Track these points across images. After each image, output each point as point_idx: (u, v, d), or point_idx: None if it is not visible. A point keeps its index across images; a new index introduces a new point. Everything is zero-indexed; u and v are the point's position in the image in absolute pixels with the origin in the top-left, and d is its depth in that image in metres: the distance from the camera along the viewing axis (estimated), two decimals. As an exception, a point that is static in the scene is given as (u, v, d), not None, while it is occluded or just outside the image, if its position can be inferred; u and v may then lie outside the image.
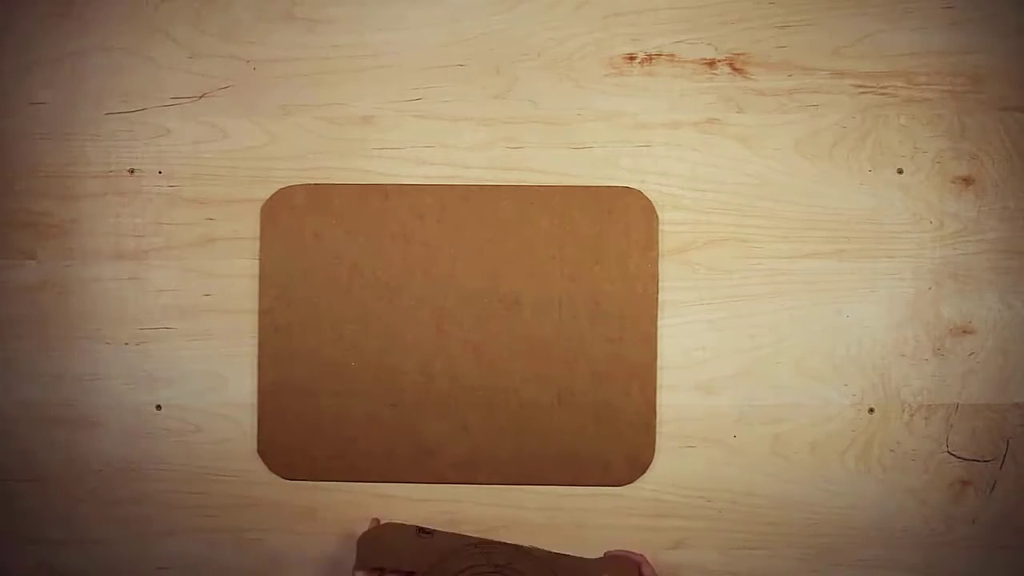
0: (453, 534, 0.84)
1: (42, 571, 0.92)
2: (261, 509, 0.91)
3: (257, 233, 0.91)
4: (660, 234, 0.90)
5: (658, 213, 0.90)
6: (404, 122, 0.91)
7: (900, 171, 0.90)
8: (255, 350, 0.90)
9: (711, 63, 0.91)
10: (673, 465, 0.90)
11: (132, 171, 0.91)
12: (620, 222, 0.90)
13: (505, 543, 0.82)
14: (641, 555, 0.84)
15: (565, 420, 0.89)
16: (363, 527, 0.85)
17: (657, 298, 0.90)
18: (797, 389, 0.90)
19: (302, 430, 0.90)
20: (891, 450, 0.90)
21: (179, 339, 0.91)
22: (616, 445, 0.88)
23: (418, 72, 0.91)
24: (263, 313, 0.90)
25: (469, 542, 0.82)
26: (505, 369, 0.89)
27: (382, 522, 0.85)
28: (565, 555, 0.82)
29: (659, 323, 0.90)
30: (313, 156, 0.91)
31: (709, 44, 0.91)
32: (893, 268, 0.90)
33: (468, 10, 0.91)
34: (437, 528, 0.83)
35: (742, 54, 0.90)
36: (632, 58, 0.91)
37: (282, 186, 0.91)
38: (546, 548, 0.82)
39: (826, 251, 0.90)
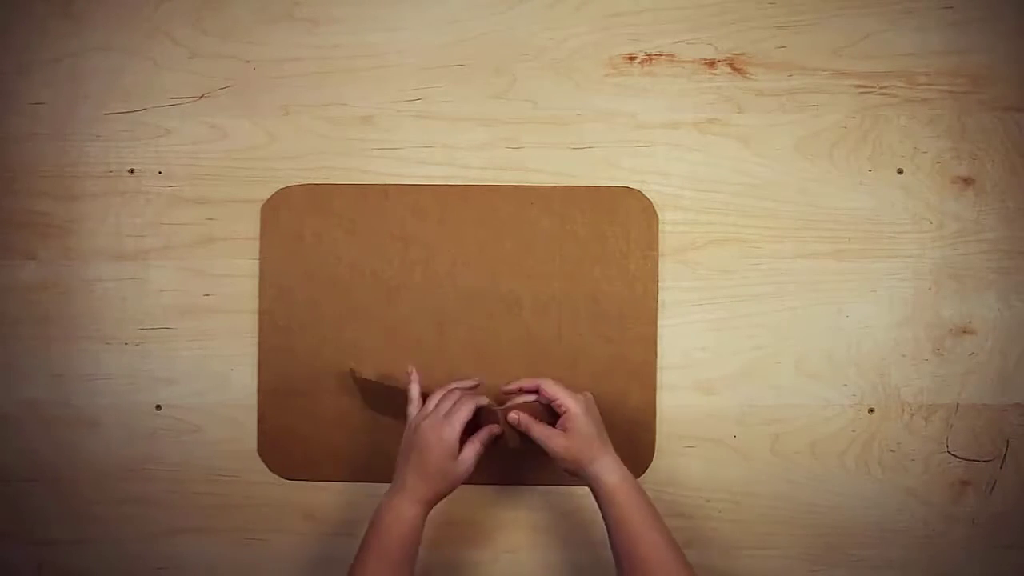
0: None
1: (43, 571, 0.92)
2: (261, 509, 0.91)
3: (257, 233, 0.91)
4: (660, 234, 0.90)
5: (658, 213, 0.90)
6: (404, 122, 0.91)
7: (900, 171, 0.90)
8: (255, 350, 0.90)
9: (711, 63, 0.91)
10: (673, 465, 0.90)
11: (132, 171, 0.91)
12: (620, 222, 0.90)
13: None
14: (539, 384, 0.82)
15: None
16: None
17: (657, 298, 0.90)
18: (797, 389, 0.90)
19: (302, 430, 0.90)
20: (891, 450, 0.90)
21: (179, 339, 0.91)
22: (616, 445, 0.87)
23: (418, 72, 0.91)
24: (263, 313, 0.90)
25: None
26: (505, 369, 0.89)
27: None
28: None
29: (659, 323, 0.90)
30: (313, 156, 0.91)
31: (709, 44, 0.91)
32: (893, 268, 0.90)
33: (468, 10, 0.91)
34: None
35: (742, 54, 0.90)
36: (632, 58, 0.91)
37: (282, 186, 0.91)
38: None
39: (826, 251, 0.90)
